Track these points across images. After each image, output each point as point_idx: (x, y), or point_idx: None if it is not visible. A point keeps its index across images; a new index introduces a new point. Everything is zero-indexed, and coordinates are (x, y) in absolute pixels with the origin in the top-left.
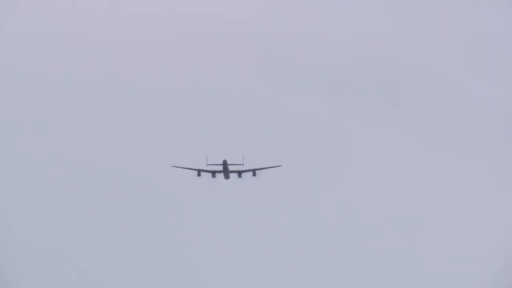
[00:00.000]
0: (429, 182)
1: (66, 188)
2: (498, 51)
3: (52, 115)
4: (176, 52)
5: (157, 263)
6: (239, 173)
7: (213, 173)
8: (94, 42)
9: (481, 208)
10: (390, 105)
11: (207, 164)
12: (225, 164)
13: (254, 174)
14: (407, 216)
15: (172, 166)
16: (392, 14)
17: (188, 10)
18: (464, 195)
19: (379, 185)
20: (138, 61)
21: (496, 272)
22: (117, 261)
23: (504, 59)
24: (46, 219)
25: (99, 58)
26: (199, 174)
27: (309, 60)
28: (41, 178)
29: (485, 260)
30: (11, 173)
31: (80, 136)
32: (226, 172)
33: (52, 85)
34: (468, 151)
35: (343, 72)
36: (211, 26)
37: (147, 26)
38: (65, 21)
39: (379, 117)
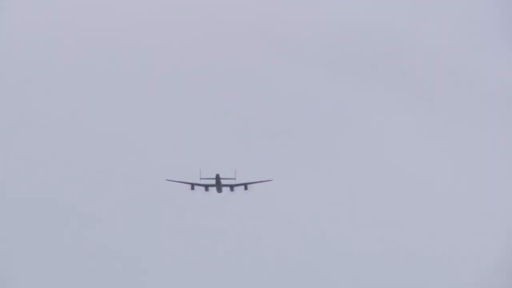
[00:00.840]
0: (431, 157)
1: (59, 204)
2: (498, 26)
3: (43, 129)
4: (173, 53)
5: (155, 272)
6: (231, 187)
7: (206, 186)
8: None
9: (483, 180)
10: (392, 81)
11: (200, 178)
12: (217, 178)
13: (246, 188)
14: (409, 192)
15: (167, 180)
16: None
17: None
18: (466, 168)
19: (384, 165)
20: (133, 67)
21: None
22: (111, 274)
23: (504, 33)
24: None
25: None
26: (192, 188)
27: (311, 38)
28: (33, 194)
29: (485, 231)
30: (9, 174)
31: (76, 148)
32: (218, 186)
33: (48, 94)
34: (469, 125)
35: (343, 49)
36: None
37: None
38: (65, 20)
39: (382, 93)
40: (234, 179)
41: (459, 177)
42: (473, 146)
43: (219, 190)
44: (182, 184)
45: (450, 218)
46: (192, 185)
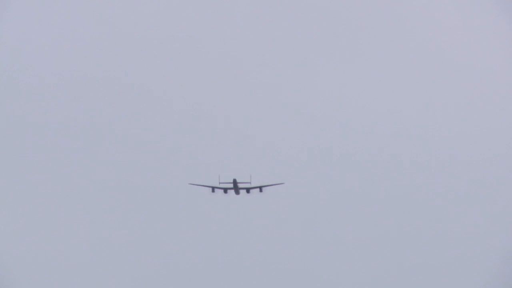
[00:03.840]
0: None
1: (79, 205)
2: None
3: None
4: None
5: (175, 271)
6: (248, 189)
7: (225, 189)
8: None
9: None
10: None
11: (220, 182)
12: (235, 182)
13: (260, 190)
14: None
15: (190, 184)
16: None
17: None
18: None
19: None
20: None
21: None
22: (131, 272)
23: None
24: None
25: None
26: (213, 191)
27: None
28: (50, 193)
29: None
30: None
31: (96, 152)
32: (236, 188)
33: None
34: None
35: None
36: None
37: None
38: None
39: None
40: (249, 182)
41: None
42: None
43: (237, 192)
44: (203, 187)
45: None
46: (213, 188)
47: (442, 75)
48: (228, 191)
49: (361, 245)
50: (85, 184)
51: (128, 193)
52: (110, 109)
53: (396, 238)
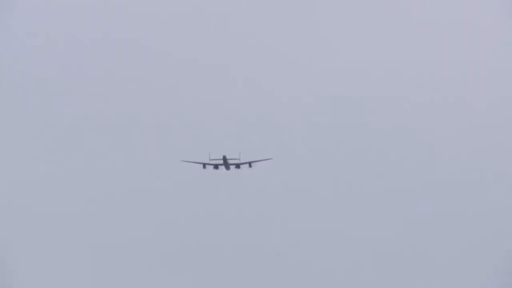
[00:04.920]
0: None
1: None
2: None
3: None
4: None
5: (177, 243)
6: (238, 165)
7: (216, 165)
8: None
9: None
10: None
11: (210, 159)
12: (224, 159)
13: (250, 166)
14: None
15: (182, 160)
16: None
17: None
18: None
19: None
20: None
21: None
22: (131, 237)
23: None
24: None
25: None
26: (204, 167)
27: None
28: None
29: None
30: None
31: (94, 133)
32: (226, 165)
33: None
34: None
35: None
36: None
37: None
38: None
39: None
40: (239, 159)
41: None
42: None
43: (227, 168)
44: (195, 164)
45: None
46: (204, 165)
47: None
48: (219, 167)
49: (353, 220)
50: (79, 167)
51: (126, 172)
52: (103, 90)
53: (390, 211)
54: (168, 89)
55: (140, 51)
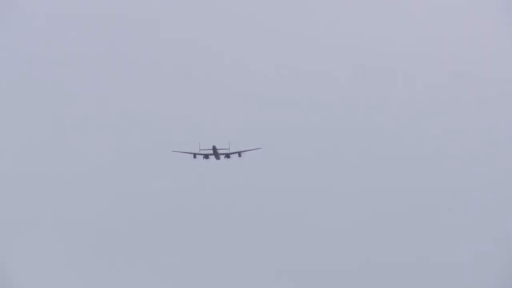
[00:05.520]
0: None
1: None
2: None
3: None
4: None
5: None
6: (227, 155)
7: (206, 155)
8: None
9: None
10: None
11: (200, 149)
12: (214, 149)
13: (239, 155)
14: None
15: (173, 151)
16: None
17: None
18: None
19: None
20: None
21: None
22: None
23: None
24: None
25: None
26: (194, 157)
27: None
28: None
29: None
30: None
31: (83, 124)
32: (216, 154)
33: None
34: None
35: None
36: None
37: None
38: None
39: None
40: (228, 148)
41: None
42: None
43: (217, 157)
44: (186, 154)
45: None
46: (194, 155)
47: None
48: (209, 157)
49: (345, 208)
50: (67, 158)
51: (117, 163)
52: (91, 80)
53: (384, 201)
54: (157, 81)
55: (127, 38)
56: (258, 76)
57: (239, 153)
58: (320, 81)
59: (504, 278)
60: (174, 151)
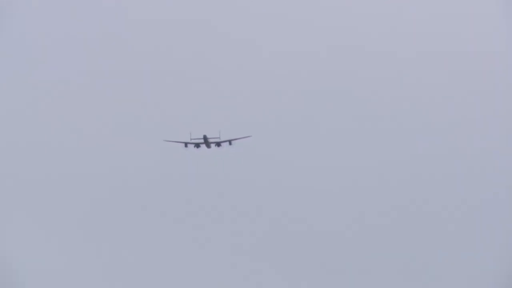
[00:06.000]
0: None
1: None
2: None
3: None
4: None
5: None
6: (218, 143)
7: (197, 144)
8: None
9: None
10: None
11: (191, 138)
12: (205, 138)
13: (230, 144)
14: None
15: (164, 140)
16: None
17: None
18: None
19: None
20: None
21: None
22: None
23: None
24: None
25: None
26: (186, 146)
27: None
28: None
29: None
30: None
31: (74, 117)
32: (207, 143)
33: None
34: None
35: None
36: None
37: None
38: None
39: None
40: (219, 137)
41: None
42: None
43: (208, 146)
44: (177, 143)
45: None
46: (186, 144)
47: None
48: (200, 145)
49: (340, 194)
50: (58, 151)
51: (109, 152)
52: (80, 70)
53: (381, 191)
54: (148, 71)
55: (119, 28)
56: (248, 64)
57: (230, 142)
58: (311, 68)
59: (504, 278)
60: (166, 140)
